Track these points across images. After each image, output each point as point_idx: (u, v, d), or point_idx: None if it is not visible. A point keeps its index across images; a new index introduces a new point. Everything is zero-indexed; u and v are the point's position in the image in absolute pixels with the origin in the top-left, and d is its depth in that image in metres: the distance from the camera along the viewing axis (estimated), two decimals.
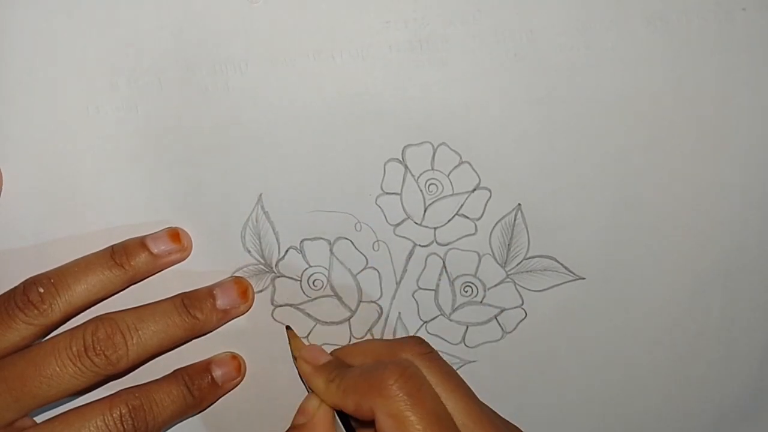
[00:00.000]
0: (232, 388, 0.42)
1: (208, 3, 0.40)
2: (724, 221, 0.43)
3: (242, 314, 0.42)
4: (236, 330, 0.42)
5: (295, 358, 0.39)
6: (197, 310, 0.40)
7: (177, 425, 0.42)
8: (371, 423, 0.36)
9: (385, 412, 0.34)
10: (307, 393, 0.39)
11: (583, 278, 0.43)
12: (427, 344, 0.39)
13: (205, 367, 0.41)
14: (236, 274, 0.42)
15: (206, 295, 0.41)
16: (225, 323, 0.42)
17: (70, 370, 0.38)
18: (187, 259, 0.42)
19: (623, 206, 0.42)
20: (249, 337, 0.42)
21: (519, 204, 0.42)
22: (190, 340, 0.42)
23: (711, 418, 0.45)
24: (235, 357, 0.42)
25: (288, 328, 0.40)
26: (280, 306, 0.42)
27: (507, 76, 0.41)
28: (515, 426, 0.38)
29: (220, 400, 0.42)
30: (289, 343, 0.39)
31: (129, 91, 0.41)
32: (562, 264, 0.42)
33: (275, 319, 0.43)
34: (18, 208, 0.41)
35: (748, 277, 0.43)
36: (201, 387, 0.41)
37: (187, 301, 0.40)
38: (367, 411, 0.35)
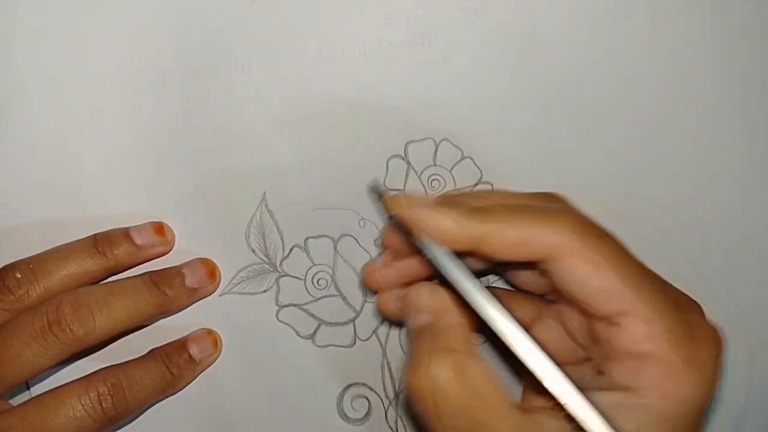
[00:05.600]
0: (210, 364, 0.42)
1: (210, 3, 0.41)
2: (724, 214, 0.43)
3: (210, 294, 0.42)
4: (241, 330, 0.42)
5: (390, 218, 0.34)
6: (167, 287, 0.40)
7: (180, 426, 0.42)
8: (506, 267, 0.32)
9: (574, 250, 0.31)
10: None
11: None
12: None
13: (181, 344, 0.41)
14: (240, 274, 0.42)
15: (175, 273, 0.41)
16: (193, 303, 0.42)
17: (34, 348, 0.37)
18: None
19: (624, 200, 0.43)
20: (254, 338, 0.42)
21: None
22: (159, 318, 0.41)
23: (717, 417, 0.45)
24: (211, 332, 0.42)
25: (374, 188, 0.35)
26: (285, 306, 0.42)
27: (509, 72, 0.41)
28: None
29: (225, 401, 0.42)
30: (387, 205, 0.34)
31: (132, 92, 0.41)
32: None
33: (280, 320, 0.42)
34: (23, 210, 0.41)
35: (751, 270, 0.44)
36: (179, 364, 0.41)
37: (156, 278, 0.40)
38: (538, 248, 0.31)
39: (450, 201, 0.34)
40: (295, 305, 0.42)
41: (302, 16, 0.41)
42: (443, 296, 0.33)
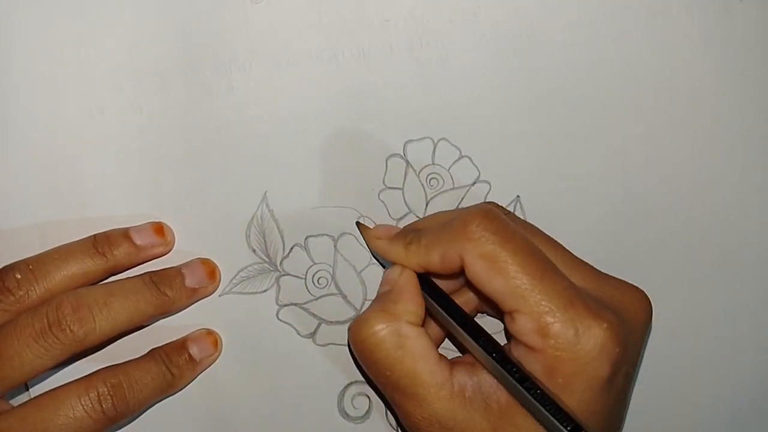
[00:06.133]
0: (210, 364, 0.42)
1: (211, 4, 0.41)
2: (722, 213, 0.44)
3: (210, 294, 0.42)
4: (241, 330, 0.42)
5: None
6: (167, 287, 0.40)
7: (180, 426, 0.41)
8: (457, 278, 0.36)
9: (474, 254, 0.34)
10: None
11: None
12: (502, 206, 0.39)
13: (181, 344, 0.41)
14: (241, 274, 0.42)
15: (175, 273, 0.41)
16: (193, 303, 0.42)
17: (34, 349, 0.37)
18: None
19: (621, 198, 0.43)
20: (254, 339, 0.42)
21: (518, 196, 0.43)
22: (159, 318, 0.41)
23: (722, 415, 0.45)
24: (210, 332, 0.42)
25: (357, 223, 0.41)
26: (285, 305, 0.42)
27: (506, 72, 0.42)
28: (612, 277, 0.38)
29: (225, 401, 0.42)
30: (363, 236, 0.41)
31: (133, 92, 0.41)
32: None
33: (280, 320, 0.42)
34: (22, 211, 0.41)
35: (748, 268, 0.44)
36: (179, 364, 0.41)
37: (156, 278, 0.40)
38: (454, 260, 0.35)
39: (402, 230, 0.39)
40: (295, 304, 0.43)
41: (302, 17, 0.41)
42: (409, 277, 0.37)
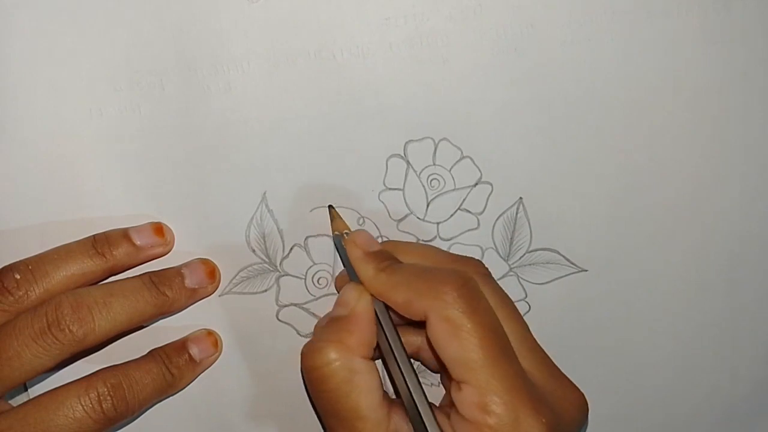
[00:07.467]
0: (210, 365, 0.42)
1: (209, 3, 0.40)
2: (724, 213, 0.43)
3: (209, 295, 0.42)
4: (241, 331, 0.42)
5: (337, 236, 0.40)
6: (166, 288, 0.40)
7: (180, 426, 0.42)
8: (409, 321, 0.36)
9: (441, 315, 0.34)
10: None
11: (586, 270, 0.43)
12: (486, 267, 0.39)
13: (181, 345, 0.41)
14: (240, 274, 0.42)
15: (175, 273, 0.41)
16: (193, 303, 0.42)
17: (33, 349, 0.37)
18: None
19: (624, 198, 0.43)
20: (254, 339, 0.42)
21: (520, 198, 0.42)
22: (159, 318, 0.42)
23: (720, 413, 0.45)
24: (210, 333, 0.42)
25: (331, 207, 0.41)
26: (285, 306, 0.42)
27: (508, 70, 0.41)
28: (560, 373, 0.38)
29: (225, 401, 0.42)
30: (331, 222, 0.40)
31: (131, 92, 0.41)
32: (564, 256, 0.43)
33: (280, 320, 0.42)
34: (22, 211, 0.41)
35: (751, 268, 0.44)
36: (179, 365, 0.41)
37: (155, 278, 0.40)
38: (417, 311, 0.35)
39: (381, 252, 0.38)
40: (295, 305, 0.42)
41: (301, 16, 0.41)
42: (365, 302, 0.37)
